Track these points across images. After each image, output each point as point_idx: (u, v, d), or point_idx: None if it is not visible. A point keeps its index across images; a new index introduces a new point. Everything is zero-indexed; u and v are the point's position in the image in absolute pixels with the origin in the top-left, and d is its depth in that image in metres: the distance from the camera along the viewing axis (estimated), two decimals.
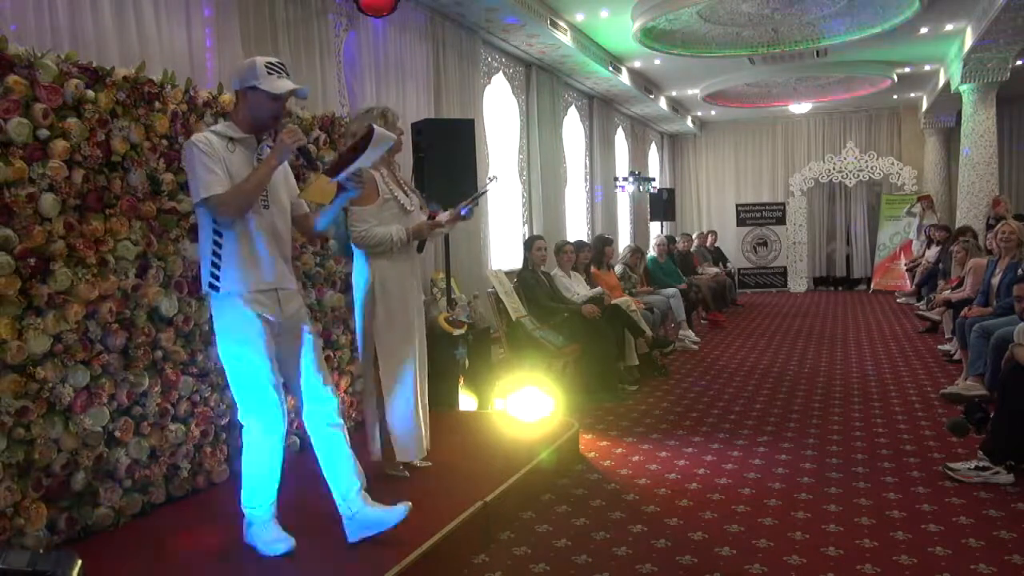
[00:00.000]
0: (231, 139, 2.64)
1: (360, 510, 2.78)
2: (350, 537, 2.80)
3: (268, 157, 2.64)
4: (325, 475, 2.80)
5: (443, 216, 3.60)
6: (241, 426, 2.73)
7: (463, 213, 3.57)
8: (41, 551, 2.39)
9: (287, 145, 2.61)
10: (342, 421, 2.83)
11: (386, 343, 3.45)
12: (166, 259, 3.25)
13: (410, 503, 2.80)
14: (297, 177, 3.12)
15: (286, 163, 2.81)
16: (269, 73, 2.60)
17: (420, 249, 3.64)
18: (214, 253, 2.63)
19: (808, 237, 14.67)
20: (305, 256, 4.04)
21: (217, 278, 2.63)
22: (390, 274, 3.43)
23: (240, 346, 2.63)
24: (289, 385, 2.80)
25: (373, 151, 2.73)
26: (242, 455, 2.73)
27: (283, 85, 2.62)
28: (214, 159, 2.55)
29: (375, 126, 2.73)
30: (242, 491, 2.75)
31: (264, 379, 2.64)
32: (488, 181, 3.67)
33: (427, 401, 3.70)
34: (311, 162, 2.74)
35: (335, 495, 2.80)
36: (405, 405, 3.46)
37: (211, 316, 2.75)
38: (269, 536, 2.72)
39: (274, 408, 2.67)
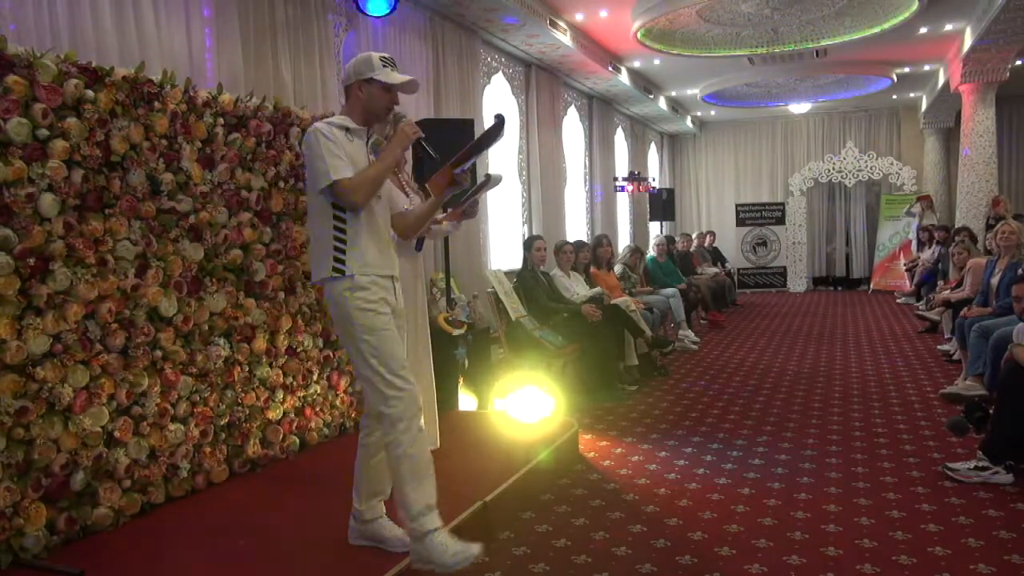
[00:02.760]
0: (348, 129, 2.66)
1: (375, 520, 2.77)
2: (352, 539, 2.80)
3: (390, 146, 2.68)
4: (359, 472, 2.76)
5: (439, 215, 3.58)
6: (381, 419, 2.54)
7: (464, 215, 3.51)
8: None
9: (408, 136, 2.67)
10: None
11: None
12: (166, 259, 3.25)
13: None
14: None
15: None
16: (384, 66, 2.66)
17: (418, 247, 3.63)
18: (337, 238, 2.58)
19: (808, 237, 14.68)
20: (306, 256, 4.05)
21: (343, 262, 2.57)
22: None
23: (372, 330, 2.55)
24: None
25: (488, 144, 2.78)
26: (393, 456, 2.52)
27: (397, 77, 2.67)
28: (339, 145, 2.58)
29: (503, 117, 2.79)
30: (400, 500, 2.52)
31: (401, 360, 2.58)
32: (486, 177, 3.57)
33: (434, 398, 3.73)
34: (429, 155, 2.77)
35: (359, 493, 2.76)
36: None
37: (332, 305, 2.61)
38: (453, 548, 2.47)
39: (411, 390, 2.56)
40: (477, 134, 6.82)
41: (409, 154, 5.03)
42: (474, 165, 5.12)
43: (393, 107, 2.71)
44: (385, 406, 2.53)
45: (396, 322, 2.69)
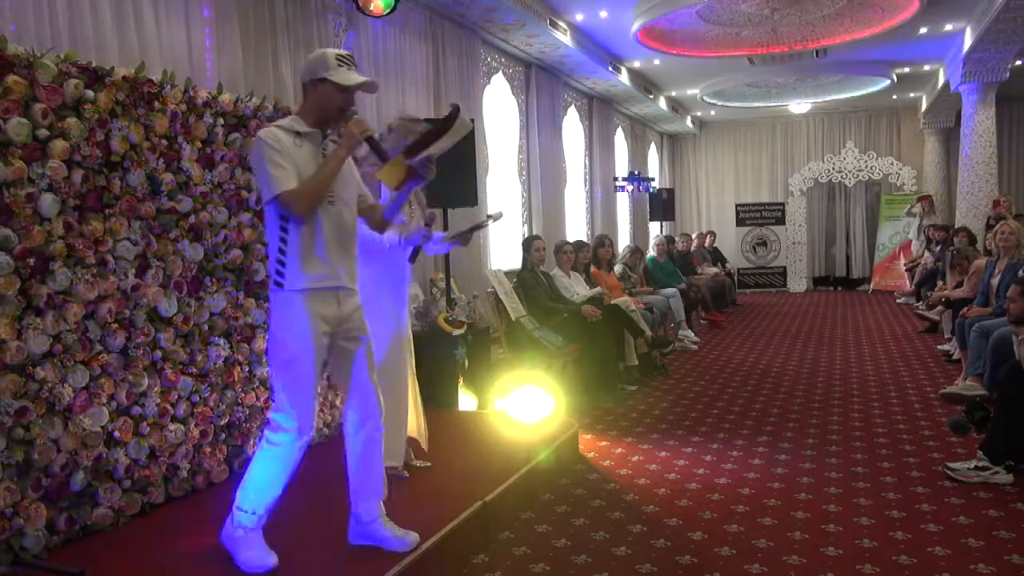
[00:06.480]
0: (298, 133, 2.57)
1: (374, 522, 2.77)
2: (352, 539, 2.80)
3: (336, 149, 2.57)
4: (351, 477, 2.76)
5: (437, 235, 3.60)
6: (267, 422, 2.66)
7: (457, 241, 3.57)
8: None
9: (355, 136, 2.56)
10: (383, 429, 2.80)
11: None
12: (166, 259, 3.24)
13: (418, 537, 2.79)
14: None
15: (350, 158, 2.75)
16: (339, 65, 2.56)
17: (412, 259, 3.61)
18: (280, 250, 2.57)
19: (807, 237, 14.68)
20: None
21: (282, 275, 2.57)
22: (379, 278, 3.38)
23: (291, 343, 2.57)
24: (336, 384, 2.75)
25: (451, 137, 2.67)
26: (256, 452, 2.66)
27: (352, 77, 2.57)
28: (283, 154, 2.50)
29: (460, 107, 2.67)
30: (241, 489, 2.66)
31: (307, 381, 2.58)
32: (488, 219, 3.69)
33: (405, 413, 3.59)
34: (380, 152, 2.66)
35: (355, 497, 2.77)
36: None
37: (269, 312, 2.66)
38: (253, 551, 2.61)
39: (308, 412, 2.60)
40: (477, 135, 6.86)
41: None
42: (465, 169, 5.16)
43: (347, 108, 2.60)
44: (277, 414, 2.61)
45: (339, 331, 2.64)
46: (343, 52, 2.61)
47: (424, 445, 3.73)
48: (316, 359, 2.59)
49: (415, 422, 3.69)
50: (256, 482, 2.64)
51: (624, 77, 10.53)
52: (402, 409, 3.45)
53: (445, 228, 5.37)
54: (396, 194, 2.85)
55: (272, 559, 2.62)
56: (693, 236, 12.34)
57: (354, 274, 2.74)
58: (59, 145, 2.78)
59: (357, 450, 2.76)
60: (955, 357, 6.61)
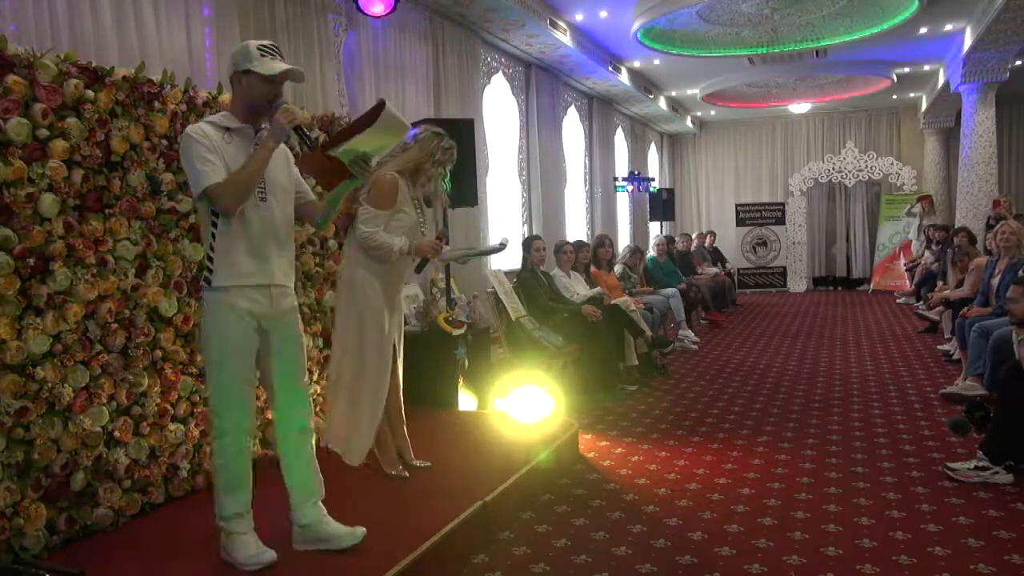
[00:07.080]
0: (227, 129, 2.56)
1: (312, 523, 2.74)
2: (295, 544, 2.76)
3: (264, 141, 2.54)
4: (285, 478, 2.75)
5: (446, 249, 3.61)
6: (210, 429, 2.65)
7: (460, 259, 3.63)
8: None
9: (283, 126, 2.51)
10: (312, 426, 2.78)
11: (352, 345, 3.36)
12: (165, 259, 3.24)
13: (366, 530, 2.75)
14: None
15: (288, 154, 2.75)
16: (262, 55, 2.52)
17: (419, 270, 3.59)
18: (210, 247, 2.56)
19: (808, 237, 14.68)
20: (305, 256, 4.04)
21: (211, 271, 2.56)
22: (378, 280, 3.37)
23: (220, 343, 2.56)
24: (265, 384, 2.73)
25: (379, 131, 2.64)
26: (212, 465, 2.64)
27: (276, 67, 2.53)
28: (210, 149, 2.48)
29: (387, 102, 2.65)
30: (215, 500, 2.64)
31: (238, 381, 2.58)
32: (498, 246, 3.76)
33: (396, 410, 3.58)
34: (309, 142, 2.64)
35: (291, 500, 2.75)
36: (353, 409, 3.35)
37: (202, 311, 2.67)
38: (249, 551, 2.61)
39: (243, 412, 2.61)
40: (478, 134, 6.86)
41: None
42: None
43: (276, 99, 2.56)
44: (215, 417, 2.61)
45: (270, 330, 2.63)
46: (267, 42, 2.58)
47: (359, 460, 3.60)
48: (247, 358, 2.59)
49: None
50: (221, 489, 2.62)
51: (624, 77, 10.54)
52: (370, 410, 3.39)
53: (447, 237, 5.38)
54: (329, 195, 2.80)
55: (270, 555, 2.62)
56: (693, 236, 12.34)
57: (289, 272, 2.72)
58: (59, 145, 2.78)
59: (286, 453, 2.74)
60: (955, 357, 6.61)
